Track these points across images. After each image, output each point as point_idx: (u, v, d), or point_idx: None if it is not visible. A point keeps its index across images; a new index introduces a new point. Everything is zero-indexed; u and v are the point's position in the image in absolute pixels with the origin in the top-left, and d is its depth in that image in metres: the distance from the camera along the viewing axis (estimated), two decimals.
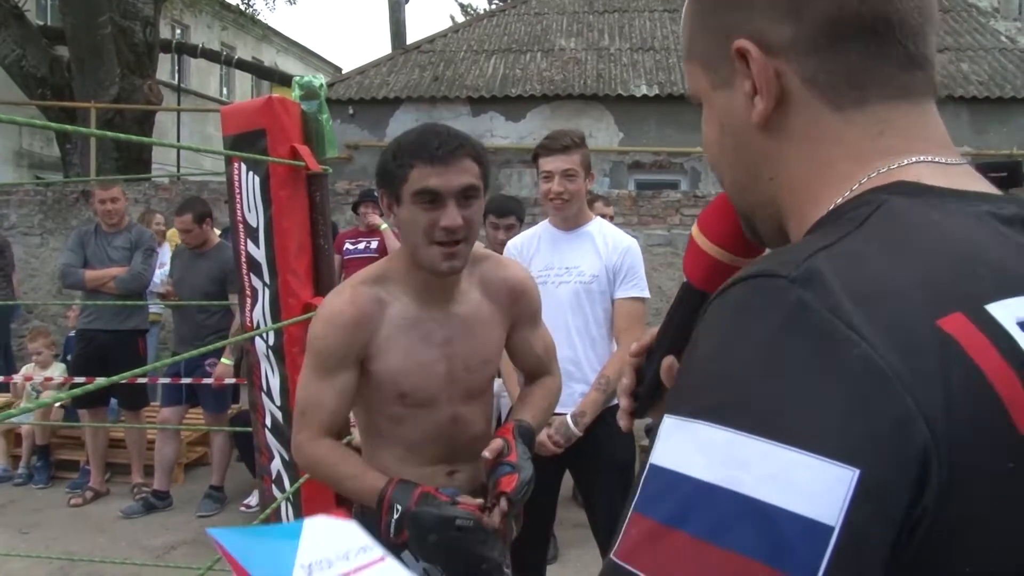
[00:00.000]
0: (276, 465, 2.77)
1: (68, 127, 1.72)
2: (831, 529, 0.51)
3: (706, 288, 0.93)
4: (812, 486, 0.52)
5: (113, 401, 6.06)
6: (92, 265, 5.52)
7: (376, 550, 0.95)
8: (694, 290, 0.96)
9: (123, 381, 4.99)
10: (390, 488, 1.81)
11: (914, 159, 0.69)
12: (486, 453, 1.90)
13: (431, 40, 14.40)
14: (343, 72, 28.31)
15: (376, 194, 6.50)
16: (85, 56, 11.28)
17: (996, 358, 0.55)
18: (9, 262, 7.42)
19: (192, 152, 17.73)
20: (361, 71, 13.17)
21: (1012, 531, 0.55)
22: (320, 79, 2.72)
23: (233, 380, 5.33)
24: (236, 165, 2.67)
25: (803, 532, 0.52)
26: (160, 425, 5.49)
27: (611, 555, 0.59)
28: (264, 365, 2.73)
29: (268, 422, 2.76)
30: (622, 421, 1.07)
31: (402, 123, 12.60)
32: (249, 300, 2.74)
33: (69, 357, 6.35)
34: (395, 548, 1.77)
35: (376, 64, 13.60)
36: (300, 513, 2.68)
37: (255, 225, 2.64)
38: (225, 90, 22.77)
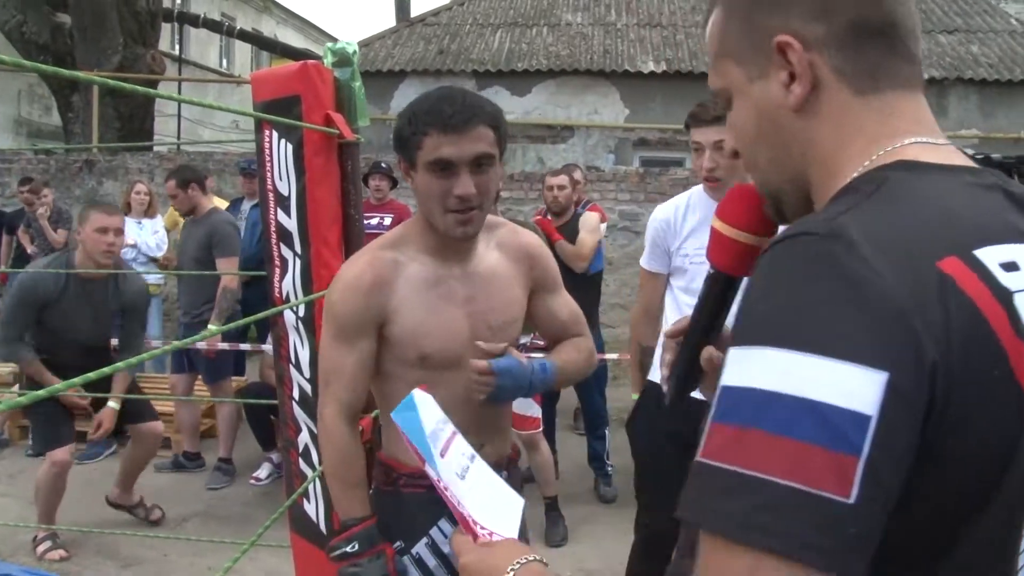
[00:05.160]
0: (304, 438, 2.73)
1: (111, 81, 1.67)
2: (870, 418, 0.68)
3: (732, 271, 1.08)
4: (853, 386, 0.68)
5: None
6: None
7: (450, 424, 1.40)
8: (721, 276, 1.10)
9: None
10: (367, 523, 1.86)
11: (912, 140, 0.86)
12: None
13: (436, 13, 14.28)
14: None
15: (383, 166, 6.44)
16: (88, 23, 11.16)
17: (984, 290, 0.74)
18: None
19: (191, 124, 17.60)
20: (366, 43, 13.04)
21: (994, 419, 0.74)
22: (353, 45, 2.65)
23: (225, 346, 5.30)
24: (267, 132, 2.61)
25: (850, 421, 0.68)
26: (167, 397, 5.47)
27: (698, 458, 0.75)
28: (293, 337, 2.68)
29: (296, 394, 2.72)
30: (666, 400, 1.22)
31: (406, 96, 12.50)
32: (278, 270, 2.68)
33: None
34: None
35: (381, 36, 13.48)
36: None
37: (286, 194, 2.58)
38: (225, 61, 22.58)
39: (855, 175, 0.85)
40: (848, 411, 0.68)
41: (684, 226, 2.90)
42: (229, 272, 5.05)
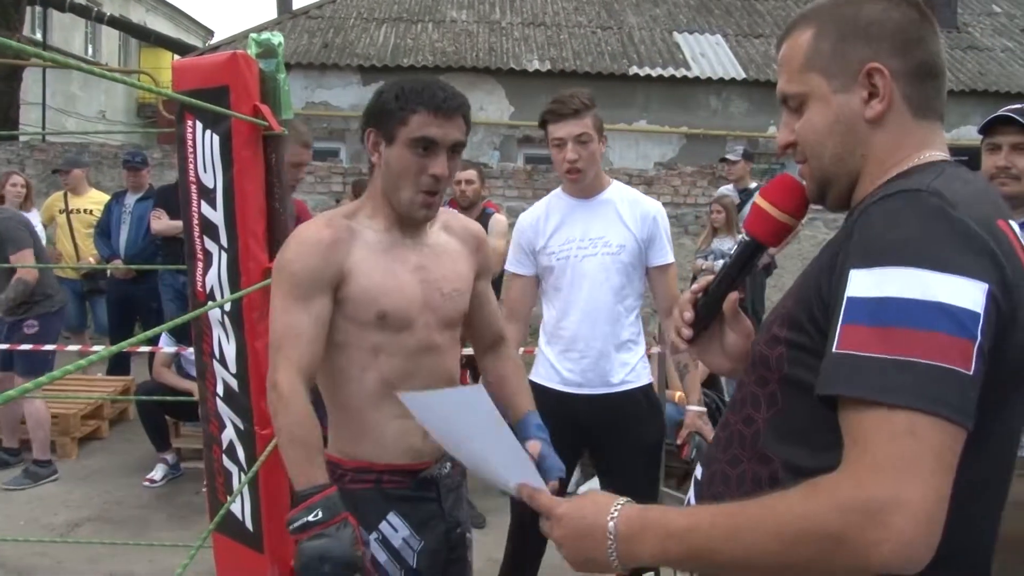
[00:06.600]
0: (228, 434, 2.68)
1: (29, 48, 1.61)
2: (979, 314, 0.96)
3: (764, 240, 1.33)
4: (968, 292, 0.96)
5: None
6: None
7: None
8: (753, 243, 1.34)
9: None
10: (328, 491, 1.74)
11: (940, 154, 1.17)
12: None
13: (320, 6, 14.06)
14: (215, 36, 27.13)
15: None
16: None
17: (1018, 243, 1.07)
18: None
19: (55, 114, 16.76)
20: (246, 35, 12.72)
21: None
22: (279, 36, 2.63)
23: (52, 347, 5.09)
24: (190, 123, 2.55)
25: (969, 316, 0.96)
26: (45, 396, 5.21)
27: (837, 351, 0.99)
28: (217, 331, 2.63)
29: (220, 390, 2.66)
30: (681, 343, 1.42)
31: (292, 91, 12.26)
32: (201, 264, 2.62)
33: None
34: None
35: (262, 28, 13.16)
36: (257, 489, 2.60)
37: (211, 186, 2.53)
38: (91, 48, 21.56)
39: (911, 165, 1.14)
40: (967, 310, 0.96)
41: (547, 227, 3.00)
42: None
